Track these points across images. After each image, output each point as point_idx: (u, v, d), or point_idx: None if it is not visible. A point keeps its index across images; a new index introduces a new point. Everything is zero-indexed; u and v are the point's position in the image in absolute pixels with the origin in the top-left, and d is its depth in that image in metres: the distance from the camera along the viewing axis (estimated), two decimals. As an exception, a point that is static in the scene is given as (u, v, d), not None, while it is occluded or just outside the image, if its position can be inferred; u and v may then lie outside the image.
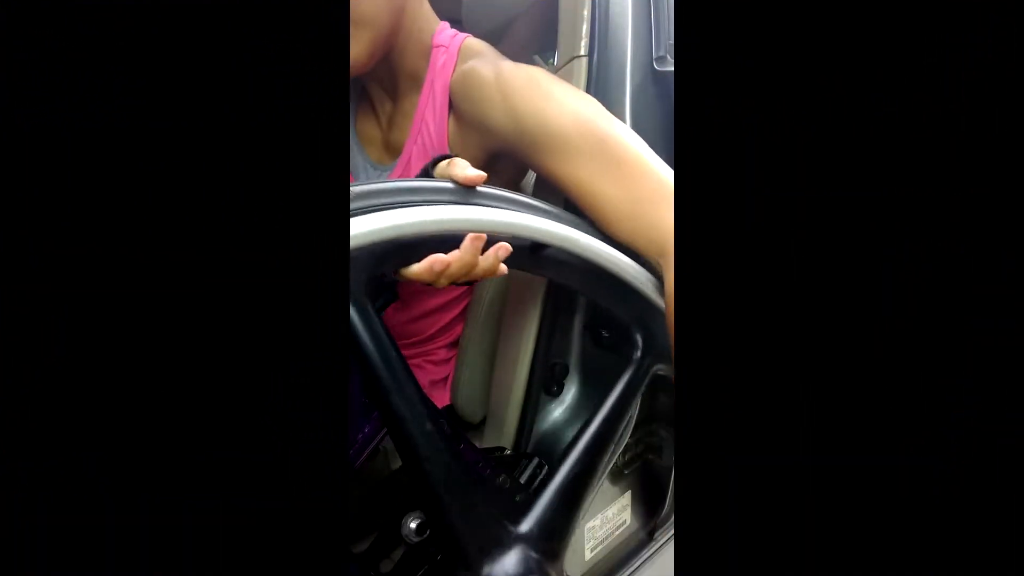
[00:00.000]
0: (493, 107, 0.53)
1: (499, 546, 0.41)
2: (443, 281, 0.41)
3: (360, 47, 0.54)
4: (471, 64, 0.57)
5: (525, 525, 0.43)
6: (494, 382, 0.67)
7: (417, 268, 0.40)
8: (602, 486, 0.69)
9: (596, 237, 0.49)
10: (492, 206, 0.44)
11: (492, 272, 0.42)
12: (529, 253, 0.47)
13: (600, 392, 0.70)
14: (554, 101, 0.51)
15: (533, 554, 0.42)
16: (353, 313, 0.37)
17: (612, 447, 0.52)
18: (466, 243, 0.40)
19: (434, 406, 0.40)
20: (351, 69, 0.55)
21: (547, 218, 0.47)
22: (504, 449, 0.62)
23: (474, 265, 0.41)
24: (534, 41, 0.91)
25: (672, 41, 0.69)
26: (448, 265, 0.40)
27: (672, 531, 0.82)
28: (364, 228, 0.38)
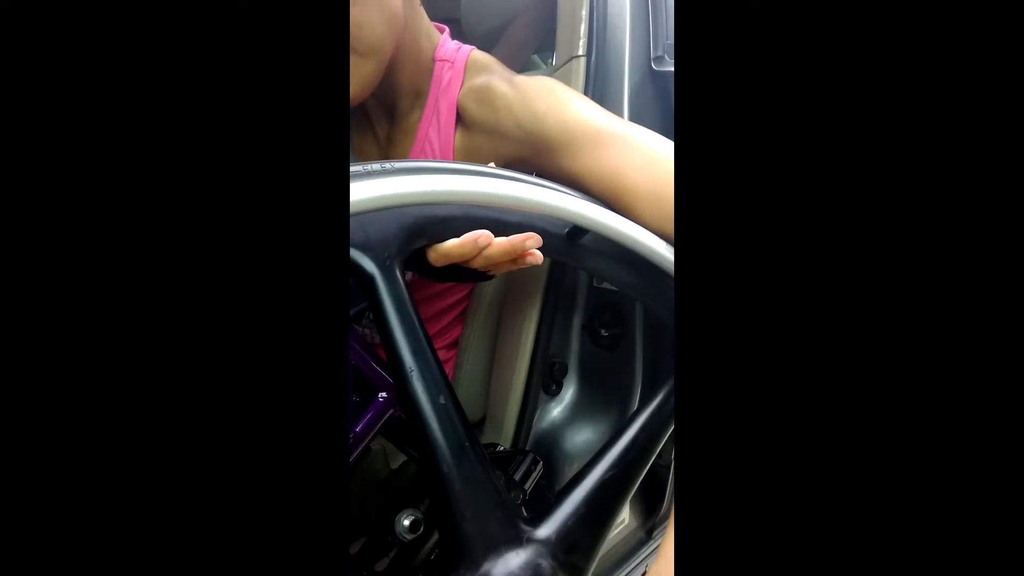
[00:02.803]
0: (512, 114, 0.54)
1: (508, 545, 0.37)
2: (478, 261, 0.42)
3: (364, 77, 0.53)
4: (485, 80, 0.57)
5: (544, 530, 0.39)
6: (493, 381, 0.67)
7: (457, 241, 0.40)
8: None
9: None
10: (541, 186, 0.45)
11: (517, 267, 0.44)
12: (568, 240, 0.47)
13: (599, 391, 0.70)
14: (572, 104, 0.53)
15: (548, 561, 0.38)
16: (379, 278, 0.37)
17: (651, 456, 0.47)
18: (520, 237, 0.41)
19: (451, 388, 0.39)
20: (354, 99, 0.54)
21: (593, 203, 0.47)
22: (498, 446, 0.62)
23: (513, 257, 0.42)
24: (532, 41, 0.91)
25: (670, 41, 0.69)
26: (491, 244, 0.41)
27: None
28: (404, 189, 0.37)
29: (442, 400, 0.37)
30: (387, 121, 0.65)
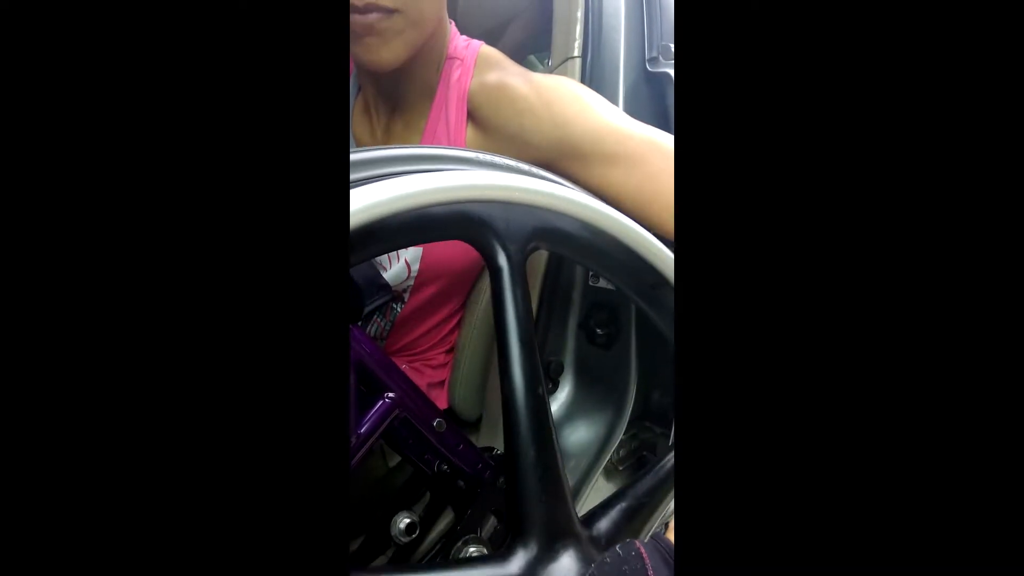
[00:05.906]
0: (536, 120, 0.53)
1: (572, 539, 0.40)
2: None
3: (403, 46, 0.51)
4: (499, 76, 0.56)
5: (595, 531, 0.43)
6: (490, 380, 0.67)
7: None
8: (596, 483, 0.69)
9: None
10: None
11: None
12: (650, 288, 0.48)
13: (595, 390, 0.70)
14: (597, 112, 0.52)
15: (597, 556, 0.41)
16: (507, 270, 0.39)
17: (671, 491, 0.51)
18: None
19: (544, 384, 0.41)
20: (386, 65, 0.52)
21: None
22: (495, 449, 0.62)
23: None
24: (529, 42, 0.91)
25: (665, 42, 0.69)
26: None
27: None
28: (538, 187, 0.40)
29: (540, 391, 0.39)
30: (387, 112, 0.63)
